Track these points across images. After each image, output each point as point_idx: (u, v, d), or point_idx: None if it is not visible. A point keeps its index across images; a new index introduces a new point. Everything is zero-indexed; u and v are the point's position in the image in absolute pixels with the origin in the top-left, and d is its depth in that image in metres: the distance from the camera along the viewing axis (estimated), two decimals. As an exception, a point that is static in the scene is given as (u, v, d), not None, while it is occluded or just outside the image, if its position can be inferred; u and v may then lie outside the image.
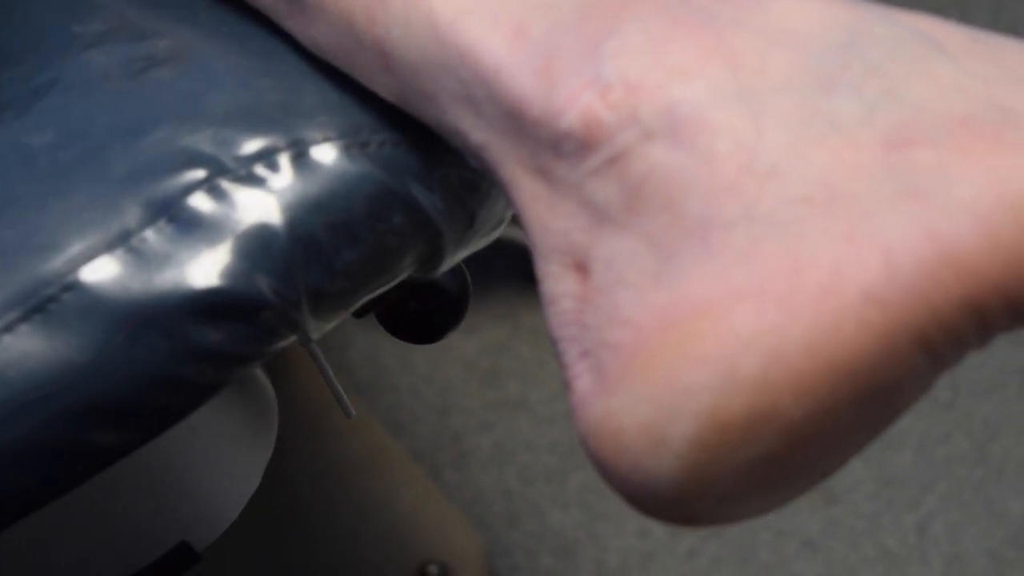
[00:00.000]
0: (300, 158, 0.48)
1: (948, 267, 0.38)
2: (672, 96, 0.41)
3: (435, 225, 0.49)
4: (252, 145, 0.48)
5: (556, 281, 0.43)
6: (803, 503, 1.19)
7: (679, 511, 0.42)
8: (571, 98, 0.42)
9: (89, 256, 0.46)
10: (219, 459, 0.57)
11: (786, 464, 0.41)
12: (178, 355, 0.46)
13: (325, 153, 0.48)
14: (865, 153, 0.40)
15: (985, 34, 0.43)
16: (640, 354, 0.41)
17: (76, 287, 0.46)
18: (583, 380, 0.42)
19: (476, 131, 0.45)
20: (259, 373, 0.60)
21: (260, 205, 0.47)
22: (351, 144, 0.48)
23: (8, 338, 0.46)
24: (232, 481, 0.58)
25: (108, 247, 0.46)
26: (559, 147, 0.43)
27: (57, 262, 0.46)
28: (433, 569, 1.14)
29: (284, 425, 1.06)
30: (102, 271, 0.46)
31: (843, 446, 0.41)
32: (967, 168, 0.39)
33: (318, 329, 0.49)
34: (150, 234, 0.47)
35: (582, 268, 0.43)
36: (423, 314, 0.60)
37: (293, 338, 0.48)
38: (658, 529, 1.17)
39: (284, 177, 0.47)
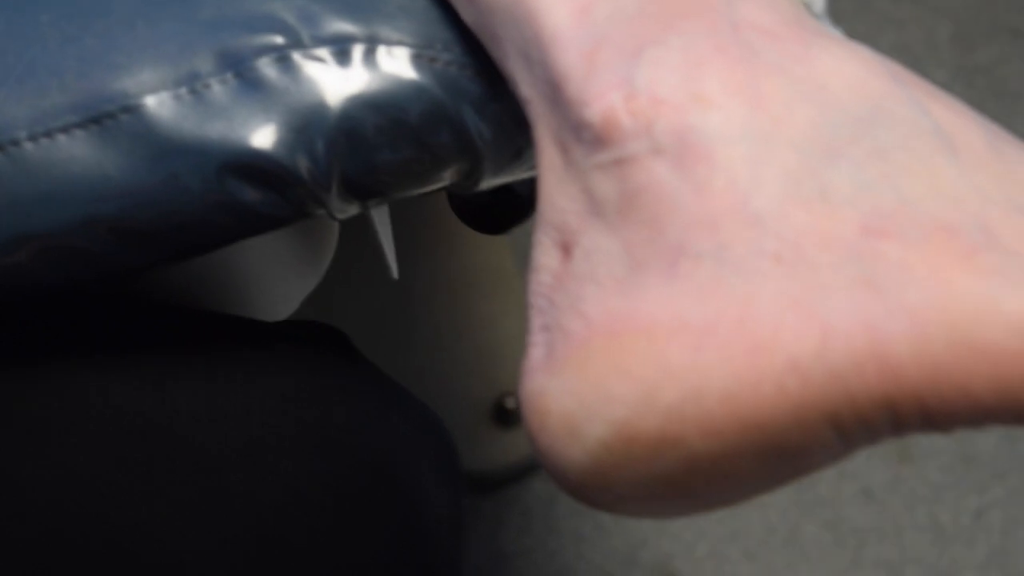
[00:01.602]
0: (371, 54, 0.50)
1: (874, 363, 0.40)
2: (688, 120, 0.43)
3: (478, 152, 0.51)
4: (333, 28, 0.50)
5: (543, 253, 0.46)
6: (877, 453, 1.20)
7: (583, 497, 0.45)
8: (600, 92, 0.44)
9: (156, 87, 0.50)
10: (256, 278, 0.60)
11: (683, 487, 0.43)
12: (208, 200, 0.50)
13: (395, 56, 0.50)
14: (842, 229, 0.41)
15: (1009, 143, 0.43)
16: (583, 349, 0.43)
17: (135, 111, 0.49)
18: (536, 351, 0.45)
19: (525, 85, 0.47)
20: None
21: (321, 87, 0.50)
22: (422, 54, 0.50)
23: (63, 138, 0.49)
24: (264, 302, 0.62)
25: (175, 84, 0.50)
26: (580, 132, 0.44)
27: (126, 83, 0.50)
28: (511, 402, 1.18)
29: (413, 226, 1.09)
30: (162, 104, 0.49)
31: (743, 486, 0.43)
32: (925, 275, 0.40)
33: (344, 211, 0.51)
34: (215, 83, 0.50)
35: (567, 249, 0.45)
36: (490, 208, 0.63)
37: (320, 212, 0.51)
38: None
39: (351, 67, 0.50)
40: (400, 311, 1.10)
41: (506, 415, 1.17)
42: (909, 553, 1.16)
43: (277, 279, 0.62)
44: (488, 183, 0.53)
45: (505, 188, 0.63)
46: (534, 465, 1.20)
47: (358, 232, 0.98)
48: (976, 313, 0.39)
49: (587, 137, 0.44)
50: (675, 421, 0.42)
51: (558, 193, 0.46)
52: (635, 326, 0.42)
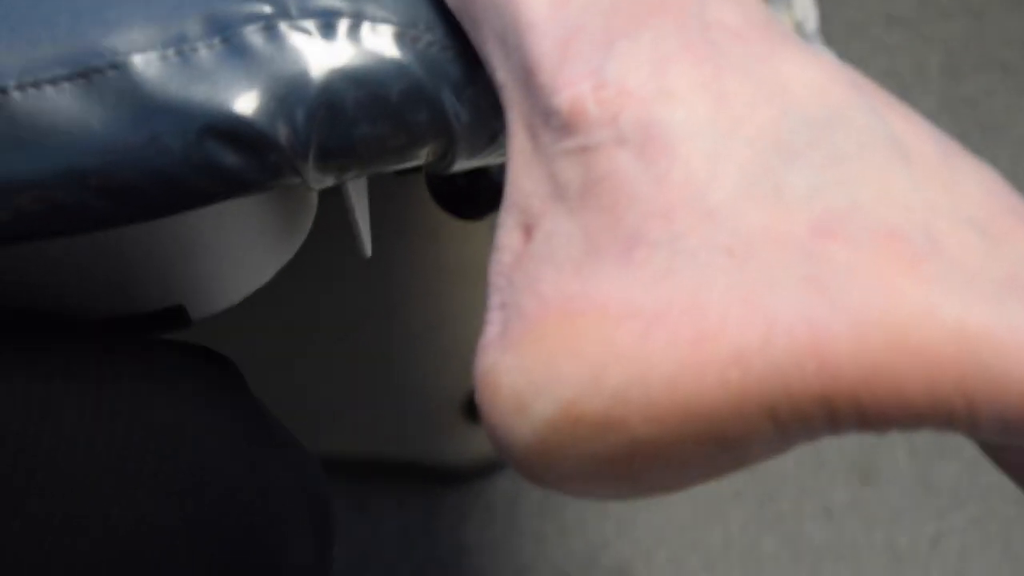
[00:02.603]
0: (356, 29, 0.51)
1: (814, 360, 0.41)
2: (653, 113, 0.44)
3: (453, 133, 0.53)
4: (320, 1, 0.51)
5: (506, 233, 0.47)
6: (839, 473, 1.21)
7: (527, 472, 0.46)
8: (570, 81, 0.45)
9: (144, 47, 0.51)
10: (230, 245, 0.62)
11: (626, 469, 0.44)
12: (187, 161, 0.51)
13: (379, 33, 0.51)
14: (793, 229, 0.42)
15: (961, 156, 0.44)
16: (537, 328, 0.45)
17: (122, 68, 0.51)
18: (493, 328, 0.46)
19: (501, 70, 0.48)
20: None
21: (305, 58, 0.51)
22: (405, 33, 0.52)
23: (50, 90, 0.51)
24: (239, 270, 0.63)
25: (163, 45, 0.51)
26: (548, 118, 0.46)
27: (116, 41, 0.51)
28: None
29: (393, 214, 1.10)
30: (150, 63, 0.51)
31: (683, 473, 0.44)
32: (870, 279, 0.41)
33: (320, 181, 0.53)
34: (202, 47, 0.51)
35: (528, 231, 0.46)
36: (465, 192, 0.64)
37: (296, 180, 0.52)
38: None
39: (336, 41, 0.51)
40: (376, 300, 1.11)
41: (476, 410, 1.18)
42: (865, 574, 1.18)
43: (251, 247, 0.63)
44: (462, 165, 0.55)
45: (481, 173, 0.65)
46: (501, 462, 1.21)
47: (339, 215, 0.99)
48: (915, 318, 0.40)
49: (555, 123, 0.46)
50: (620, 404, 0.43)
51: (524, 176, 0.47)
52: (587, 308, 0.44)
